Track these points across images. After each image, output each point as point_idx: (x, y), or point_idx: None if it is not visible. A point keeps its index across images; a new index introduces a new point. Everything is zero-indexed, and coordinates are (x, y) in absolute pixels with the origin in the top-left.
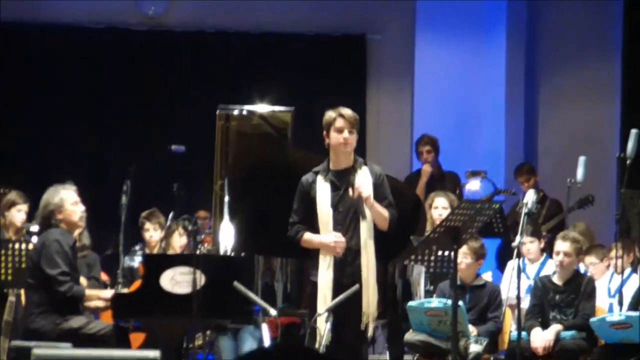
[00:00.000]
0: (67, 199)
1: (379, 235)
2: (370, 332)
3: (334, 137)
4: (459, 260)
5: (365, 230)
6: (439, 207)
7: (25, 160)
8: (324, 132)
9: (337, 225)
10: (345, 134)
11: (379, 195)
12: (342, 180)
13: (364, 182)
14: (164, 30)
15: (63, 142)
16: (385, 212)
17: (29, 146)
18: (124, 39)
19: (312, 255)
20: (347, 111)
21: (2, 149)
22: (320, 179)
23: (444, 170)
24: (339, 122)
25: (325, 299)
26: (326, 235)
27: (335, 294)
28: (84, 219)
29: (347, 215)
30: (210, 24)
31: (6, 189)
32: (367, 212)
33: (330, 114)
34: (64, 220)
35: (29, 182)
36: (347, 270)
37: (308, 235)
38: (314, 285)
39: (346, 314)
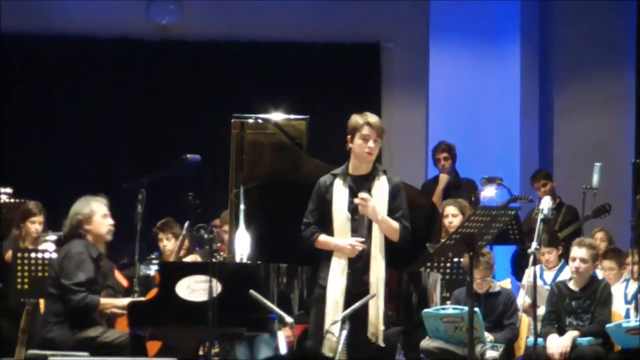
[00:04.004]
0: (97, 211)
1: (394, 244)
2: (380, 343)
3: (359, 145)
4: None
5: (377, 243)
6: (449, 215)
7: (36, 171)
8: (348, 136)
9: (353, 232)
10: (371, 143)
11: (393, 206)
12: (360, 187)
13: (378, 193)
14: (177, 41)
15: (75, 152)
16: (394, 224)
17: (41, 156)
18: (137, 49)
19: (323, 258)
20: (374, 119)
21: (12, 160)
22: (338, 183)
23: (460, 178)
24: (366, 130)
25: (336, 304)
26: (344, 239)
27: (345, 302)
28: (112, 233)
29: (363, 224)
30: (223, 33)
31: (23, 200)
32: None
33: (357, 120)
34: (91, 231)
35: (41, 193)
36: (358, 278)
37: (324, 238)
38: (322, 289)
39: (355, 323)
